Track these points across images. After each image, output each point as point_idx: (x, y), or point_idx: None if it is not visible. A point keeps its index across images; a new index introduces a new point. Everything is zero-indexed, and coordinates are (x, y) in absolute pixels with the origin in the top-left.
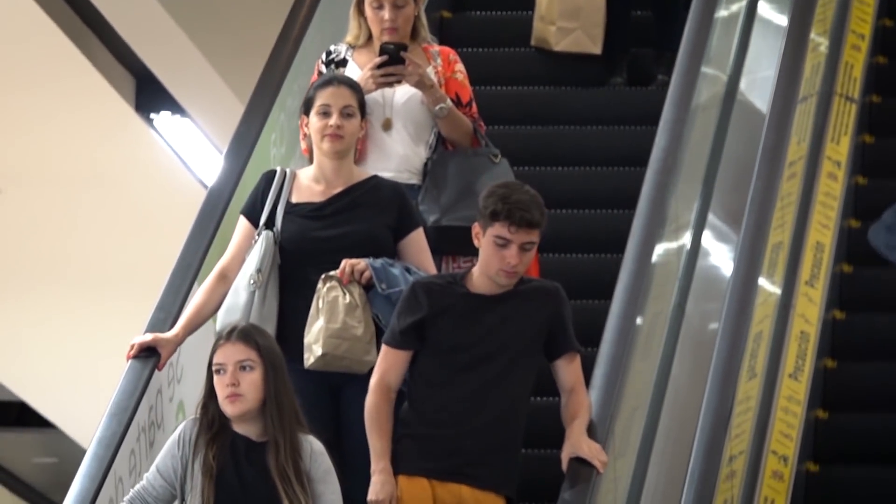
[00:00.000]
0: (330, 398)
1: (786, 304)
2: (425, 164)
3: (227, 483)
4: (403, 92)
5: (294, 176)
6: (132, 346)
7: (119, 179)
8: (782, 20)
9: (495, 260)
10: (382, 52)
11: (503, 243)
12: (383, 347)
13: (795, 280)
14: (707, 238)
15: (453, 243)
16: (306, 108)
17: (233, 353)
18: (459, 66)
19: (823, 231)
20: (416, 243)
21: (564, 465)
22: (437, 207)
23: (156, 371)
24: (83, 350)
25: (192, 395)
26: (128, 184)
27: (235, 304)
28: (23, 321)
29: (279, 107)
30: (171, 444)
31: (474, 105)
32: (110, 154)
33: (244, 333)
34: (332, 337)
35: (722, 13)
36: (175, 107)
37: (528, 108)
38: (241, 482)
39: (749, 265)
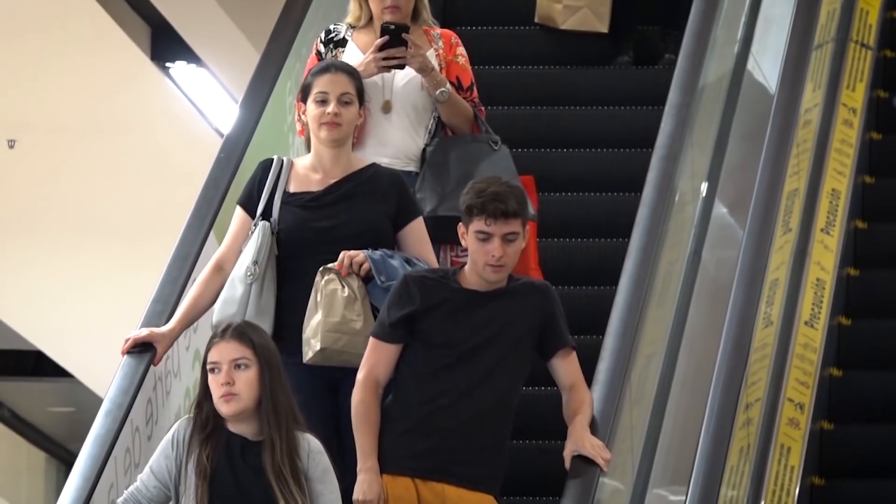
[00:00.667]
0: (329, 392)
1: (801, 252)
2: (423, 151)
3: (221, 484)
4: (403, 75)
5: (291, 165)
6: (126, 341)
7: (135, 128)
8: None
9: (480, 255)
10: (384, 32)
11: (484, 237)
12: (371, 340)
13: (811, 227)
14: (723, 185)
15: (451, 232)
16: (303, 94)
17: (227, 352)
18: (461, 50)
19: (839, 178)
20: (416, 233)
21: (567, 463)
22: (435, 196)
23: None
24: (99, 299)
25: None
26: (143, 133)
27: (232, 297)
28: (38, 270)
29: (295, 55)
30: (165, 445)
31: (475, 90)
32: (126, 103)
33: (239, 331)
34: (331, 331)
35: None
36: (191, 56)
37: (533, 88)
38: (237, 482)
39: (764, 212)
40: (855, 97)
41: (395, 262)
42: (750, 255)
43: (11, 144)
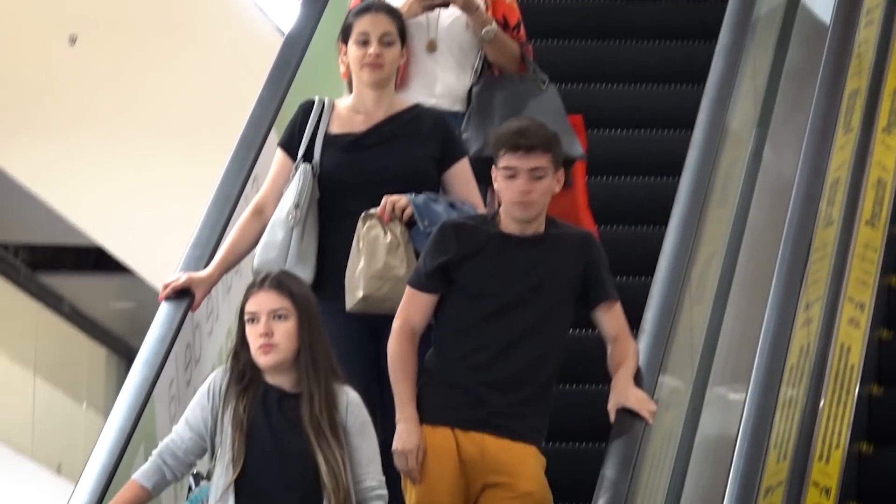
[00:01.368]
0: (371, 339)
1: (863, 151)
2: (470, 91)
3: (258, 436)
4: (448, 14)
5: (333, 106)
6: (165, 287)
7: (195, 26)
8: None
9: (507, 193)
10: None
11: (511, 174)
12: (407, 289)
13: (872, 127)
14: (784, 85)
15: None
16: (344, 36)
17: (266, 302)
18: None
19: None
20: (461, 174)
21: (612, 417)
22: (481, 136)
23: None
24: (161, 195)
25: None
26: (204, 30)
27: (273, 241)
28: (100, 166)
29: None
30: (201, 395)
31: (522, 28)
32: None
33: (277, 281)
34: (374, 278)
35: None
36: None
37: (581, 21)
38: (273, 435)
39: (826, 111)
40: None
41: (439, 207)
42: (811, 155)
43: (73, 40)
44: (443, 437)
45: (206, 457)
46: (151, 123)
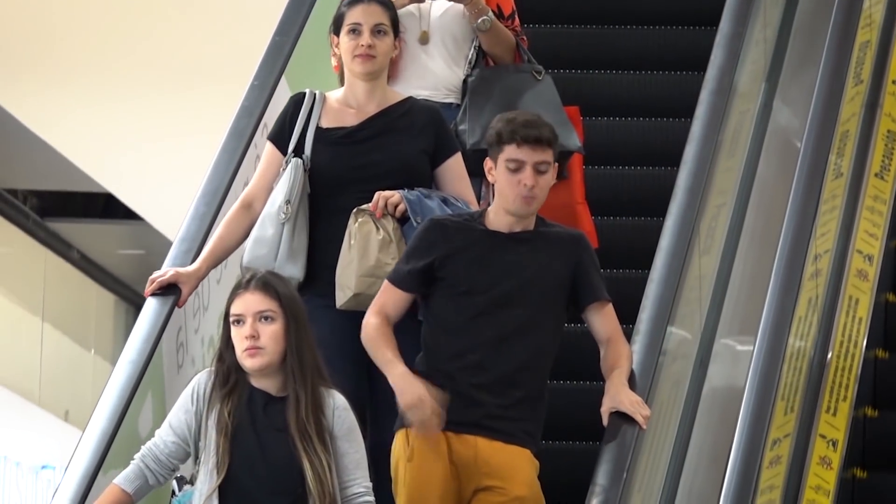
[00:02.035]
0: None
1: (872, 103)
2: (464, 82)
3: (243, 441)
4: (441, 4)
5: (324, 99)
6: (151, 282)
7: None
8: None
9: (511, 187)
10: None
11: (516, 166)
12: (385, 282)
13: (883, 79)
14: (794, 37)
15: None
16: (336, 26)
17: (252, 303)
18: None
19: None
20: (454, 170)
21: (605, 420)
22: (476, 128)
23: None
24: (170, 142)
25: None
26: None
27: (263, 237)
28: (110, 112)
29: None
30: (185, 399)
31: (517, 18)
32: None
33: (264, 282)
34: (365, 275)
35: None
36: None
37: (581, 5)
38: (259, 440)
39: (836, 64)
40: None
41: (433, 203)
42: (821, 106)
43: None
44: (434, 439)
45: (190, 460)
46: (162, 69)
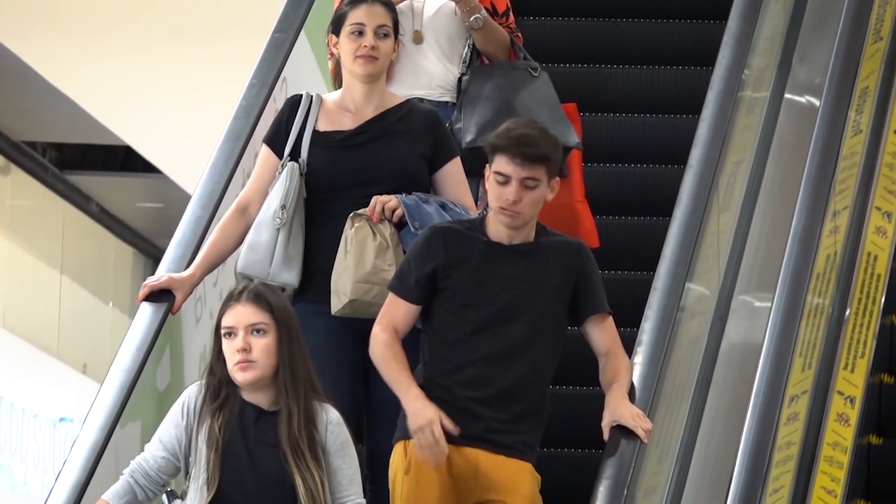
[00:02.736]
0: (358, 343)
1: (892, 60)
2: (459, 81)
3: (234, 456)
4: (433, 3)
5: (321, 101)
6: (144, 287)
7: None
8: None
9: (495, 199)
10: None
11: (503, 180)
12: (390, 294)
13: None
14: None
15: None
16: (335, 27)
17: (244, 316)
18: None
19: None
20: (453, 174)
21: (606, 435)
22: (472, 126)
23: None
24: (189, 95)
25: None
26: None
27: (258, 242)
28: (129, 65)
29: None
30: (175, 413)
31: (511, 15)
32: None
33: (256, 294)
34: (361, 282)
35: None
36: None
37: None
38: (250, 455)
39: (855, 20)
40: None
41: (431, 208)
42: (840, 62)
43: None
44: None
45: (181, 475)
46: (181, 22)
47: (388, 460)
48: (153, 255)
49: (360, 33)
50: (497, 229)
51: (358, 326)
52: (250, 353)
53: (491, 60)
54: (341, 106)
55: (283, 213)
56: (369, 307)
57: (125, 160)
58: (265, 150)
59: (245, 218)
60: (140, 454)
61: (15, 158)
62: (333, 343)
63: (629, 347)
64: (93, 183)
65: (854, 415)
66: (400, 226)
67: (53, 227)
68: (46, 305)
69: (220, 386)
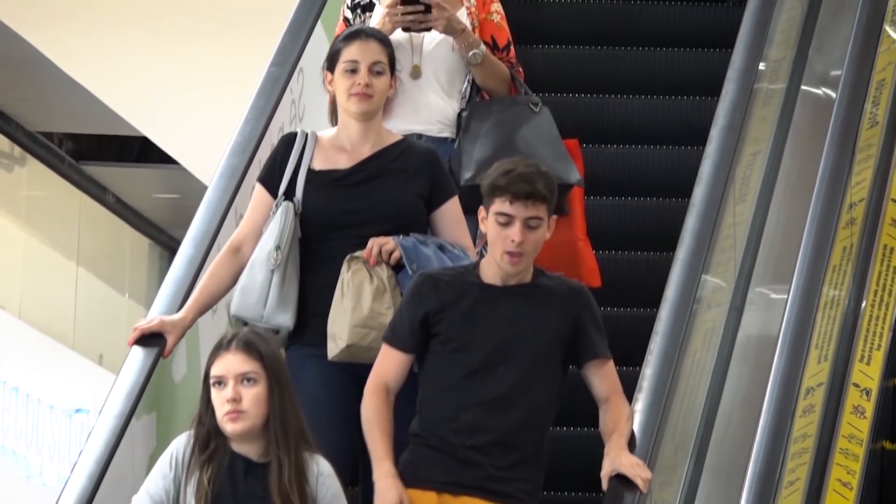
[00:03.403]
0: (354, 388)
1: None
2: (459, 116)
3: None
4: (432, 37)
5: (316, 139)
6: (134, 330)
7: None
8: None
9: (498, 241)
10: None
11: (505, 221)
12: (383, 346)
13: None
14: None
15: None
16: (330, 63)
17: (234, 365)
18: (496, 6)
19: None
20: (451, 214)
21: (605, 484)
22: (471, 163)
23: None
24: (206, 86)
25: None
26: None
27: (252, 284)
28: (146, 56)
29: None
30: (163, 464)
31: (512, 49)
32: None
33: (246, 342)
34: (358, 326)
35: None
36: None
37: (587, 26)
38: None
39: (872, 11)
40: None
41: (429, 250)
42: (856, 53)
43: None
44: (428, 502)
45: None
46: (198, 13)
47: None
48: (169, 246)
49: (354, 71)
50: (491, 271)
51: (353, 370)
52: (240, 403)
53: (491, 95)
54: (336, 144)
55: (277, 255)
56: (367, 352)
57: (141, 151)
58: (259, 189)
59: (238, 258)
60: None
61: (31, 149)
62: (329, 387)
63: (632, 386)
64: (109, 174)
65: (870, 407)
66: (398, 268)
67: (69, 217)
68: (62, 296)
69: (209, 437)
